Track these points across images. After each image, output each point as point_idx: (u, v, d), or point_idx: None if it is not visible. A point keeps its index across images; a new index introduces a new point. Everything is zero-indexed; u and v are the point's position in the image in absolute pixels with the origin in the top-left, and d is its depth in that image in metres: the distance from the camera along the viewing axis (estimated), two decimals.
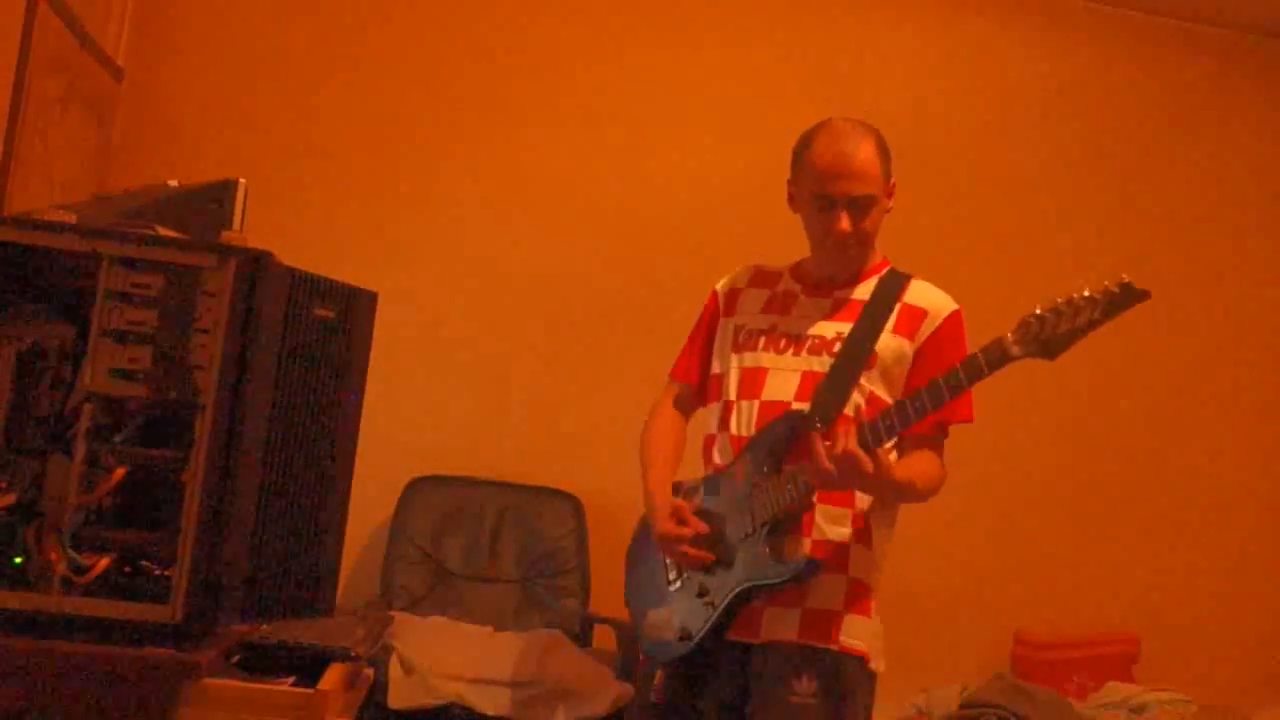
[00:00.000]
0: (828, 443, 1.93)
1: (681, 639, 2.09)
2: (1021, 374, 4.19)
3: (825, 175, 2.07)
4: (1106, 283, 1.85)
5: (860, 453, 1.89)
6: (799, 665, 2.02)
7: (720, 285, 2.31)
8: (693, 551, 2.07)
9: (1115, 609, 3.98)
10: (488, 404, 3.66)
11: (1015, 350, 1.90)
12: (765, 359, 2.16)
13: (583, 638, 3.39)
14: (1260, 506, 4.16)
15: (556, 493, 3.58)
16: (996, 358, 1.90)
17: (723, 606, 2.04)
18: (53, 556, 1.55)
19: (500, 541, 3.52)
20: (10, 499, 1.59)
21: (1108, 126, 4.15)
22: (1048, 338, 1.89)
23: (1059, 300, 1.88)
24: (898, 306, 2.12)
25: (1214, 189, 4.24)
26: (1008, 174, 4.07)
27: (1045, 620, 3.90)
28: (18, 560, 1.58)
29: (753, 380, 2.16)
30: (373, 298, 1.81)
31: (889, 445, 2.06)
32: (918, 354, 2.11)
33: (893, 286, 2.14)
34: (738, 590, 2.03)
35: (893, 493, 2.07)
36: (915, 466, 2.10)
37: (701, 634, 2.06)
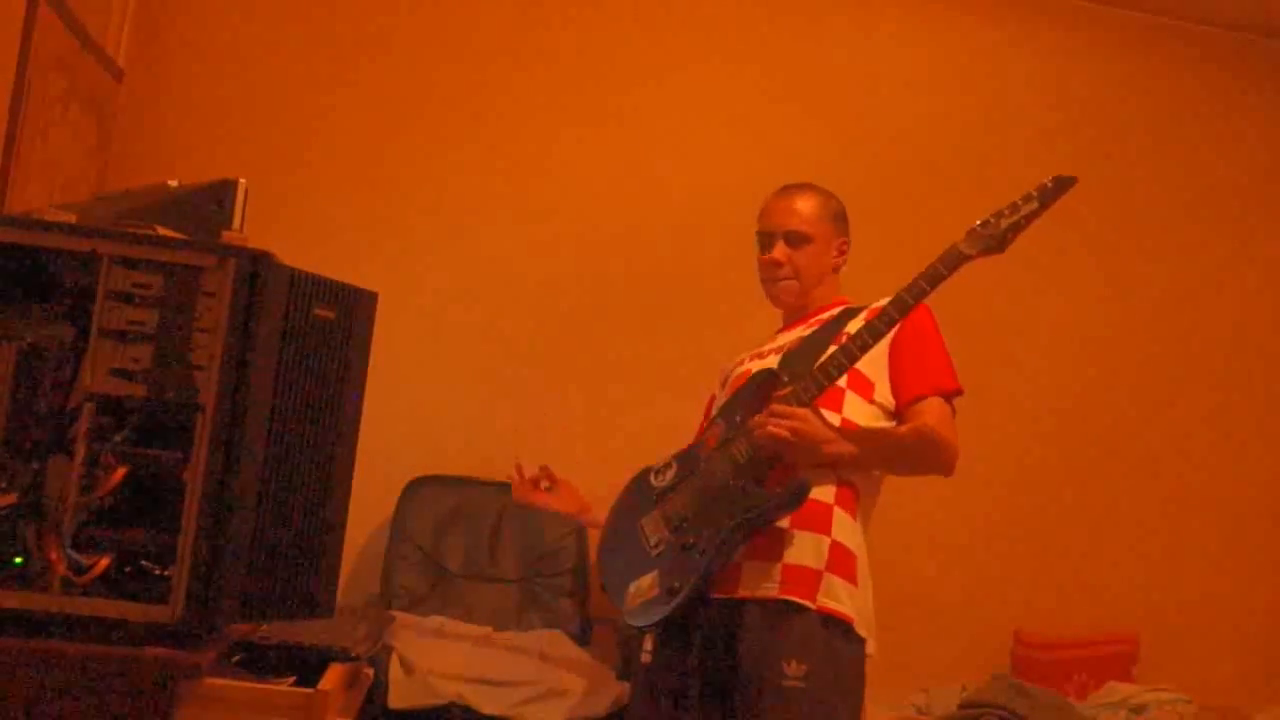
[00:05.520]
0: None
1: (670, 594, 2.09)
2: (1021, 373, 4.18)
3: (764, 215, 2.36)
4: (1039, 183, 2.08)
5: (782, 407, 2.02)
6: (788, 648, 2.03)
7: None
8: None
9: (1115, 609, 3.98)
10: (488, 404, 3.66)
11: (968, 250, 2.06)
12: (749, 366, 2.30)
13: (583, 638, 3.39)
14: (1260, 506, 4.15)
15: None
16: (952, 260, 2.05)
17: (712, 552, 2.05)
18: (53, 556, 1.55)
19: (500, 541, 3.52)
20: (10, 499, 1.58)
21: (1107, 127, 4.15)
22: (993, 234, 2.06)
23: (1000, 208, 2.08)
24: (863, 312, 2.22)
25: (1214, 189, 4.24)
26: (1006, 175, 4.06)
27: (1045, 620, 3.90)
28: (18, 560, 1.58)
29: (736, 382, 2.29)
30: (373, 298, 1.81)
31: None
32: (894, 342, 2.18)
33: (855, 311, 2.27)
34: (727, 530, 2.04)
35: (859, 449, 2.10)
36: (900, 429, 2.16)
37: (691, 586, 2.06)
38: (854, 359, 2.05)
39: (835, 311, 2.29)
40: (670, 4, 3.90)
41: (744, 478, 2.08)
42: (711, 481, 2.12)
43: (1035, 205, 2.05)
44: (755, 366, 2.27)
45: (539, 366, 3.71)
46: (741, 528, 2.05)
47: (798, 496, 2.04)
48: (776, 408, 2.05)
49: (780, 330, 2.40)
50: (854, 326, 2.17)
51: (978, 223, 2.07)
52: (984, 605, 3.89)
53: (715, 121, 3.85)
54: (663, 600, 2.10)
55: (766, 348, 2.34)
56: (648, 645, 2.20)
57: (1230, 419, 4.17)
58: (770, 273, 2.33)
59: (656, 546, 2.17)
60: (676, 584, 2.08)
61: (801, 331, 2.29)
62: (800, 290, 2.32)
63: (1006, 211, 2.06)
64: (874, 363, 2.16)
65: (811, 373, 2.06)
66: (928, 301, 2.14)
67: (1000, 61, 4.11)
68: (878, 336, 2.05)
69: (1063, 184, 2.06)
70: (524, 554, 3.51)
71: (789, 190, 2.36)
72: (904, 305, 2.04)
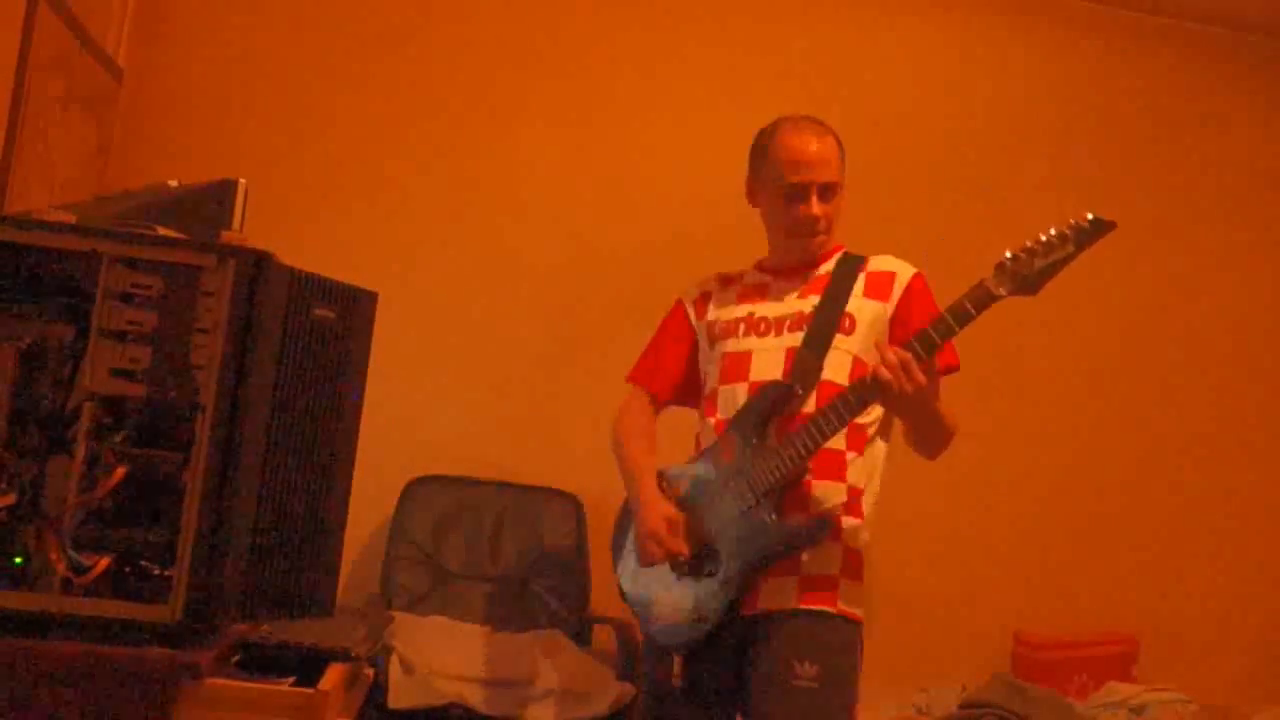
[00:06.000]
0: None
1: (698, 621, 2.10)
2: (1021, 371, 4.18)
3: (796, 164, 2.20)
4: (1073, 219, 1.94)
5: (912, 357, 1.94)
6: (801, 649, 2.05)
7: (685, 294, 2.41)
8: (661, 554, 2.11)
9: (1115, 609, 3.98)
10: (488, 404, 3.66)
11: (998, 290, 1.94)
12: (748, 343, 2.24)
13: (583, 638, 3.39)
14: (1260, 506, 4.15)
15: (556, 493, 3.58)
16: (981, 299, 1.95)
17: (738, 581, 2.06)
18: (53, 556, 1.55)
19: (500, 541, 3.52)
20: (10, 499, 1.58)
21: (1107, 126, 4.15)
22: (1026, 274, 1.94)
23: (1029, 241, 1.94)
24: (862, 275, 2.21)
25: (1213, 189, 4.23)
26: (1004, 174, 4.07)
27: (1045, 620, 3.90)
28: (18, 560, 1.58)
29: (737, 364, 2.22)
30: (373, 298, 1.81)
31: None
32: (895, 315, 2.18)
33: (853, 261, 2.25)
34: (752, 562, 2.05)
35: (931, 413, 2.08)
36: (952, 418, 2.16)
37: (719, 614, 2.08)
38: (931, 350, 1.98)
39: (832, 264, 2.25)
40: (666, 1, 3.90)
41: (765, 508, 2.07)
42: (730, 507, 2.11)
43: (1071, 249, 1.93)
44: (755, 347, 2.21)
45: (539, 366, 3.71)
46: (767, 560, 2.07)
47: (823, 532, 2.07)
48: (909, 360, 1.93)
49: (766, 272, 2.32)
50: (857, 290, 2.18)
51: (1007, 255, 1.94)
52: (984, 605, 3.89)
53: (714, 118, 3.84)
54: (691, 627, 2.12)
55: (759, 313, 2.25)
56: (676, 669, 2.20)
57: (1229, 419, 4.16)
58: (809, 228, 2.22)
59: (679, 568, 2.16)
60: (705, 612, 2.10)
61: (799, 292, 2.24)
62: (826, 243, 2.27)
63: (1040, 251, 1.93)
64: (870, 349, 2.15)
65: (918, 336, 1.98)
66: (924, 274, 2.20)
67: (1000, 61, 4.11)
68: (934, 351, 2.00)
69: (1101, 226, 1.94)
70: (524, 554, 3.51)
71: (812, 130, 2.23)
72: (931, 345, 1.96)
